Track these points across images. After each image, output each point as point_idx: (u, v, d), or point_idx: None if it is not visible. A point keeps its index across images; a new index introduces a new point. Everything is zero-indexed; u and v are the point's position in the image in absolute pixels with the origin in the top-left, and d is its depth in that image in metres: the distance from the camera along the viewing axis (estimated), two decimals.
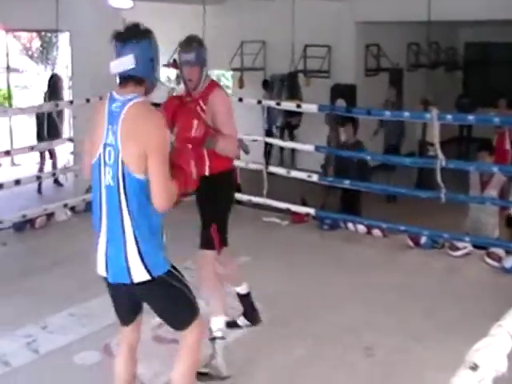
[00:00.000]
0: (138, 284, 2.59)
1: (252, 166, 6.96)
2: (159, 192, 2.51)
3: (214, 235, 3.54)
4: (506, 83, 12.67)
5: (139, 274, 2.57)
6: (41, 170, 9.71)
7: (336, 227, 6.14)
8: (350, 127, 7.54)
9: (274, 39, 11.83)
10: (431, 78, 12.79)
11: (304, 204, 6.79)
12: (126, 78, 2.59)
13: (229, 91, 13.59)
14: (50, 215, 6.36)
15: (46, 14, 8.30)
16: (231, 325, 3.80)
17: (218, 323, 3.51)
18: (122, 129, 2.50)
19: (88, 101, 6.57)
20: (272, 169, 6.84)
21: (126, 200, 2.52)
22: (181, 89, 3.45)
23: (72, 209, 6.58)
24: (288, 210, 6.43)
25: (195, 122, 3.29)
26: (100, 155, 2.55)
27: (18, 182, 6.28)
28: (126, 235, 2.55)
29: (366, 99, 10.44)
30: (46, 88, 9.65)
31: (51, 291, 4.66)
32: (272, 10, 11.40)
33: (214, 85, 3.56)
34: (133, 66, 2.55)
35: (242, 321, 3.95)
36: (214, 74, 12.06)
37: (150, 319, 4.09)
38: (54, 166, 9.67)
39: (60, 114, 8.04)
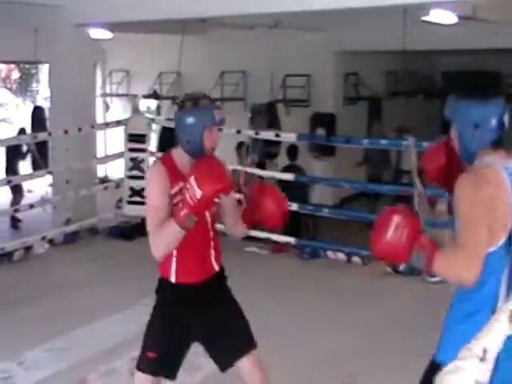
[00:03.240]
0: None
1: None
2: None
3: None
4: None
5: None
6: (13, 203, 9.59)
7: (316, 256, 6.14)
8: None
9: (254, 69, 11.94)
10: (410, 106, 12.97)
11: (284, 233, 6.79)
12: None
13: None
14: (28, 248, 6.30)
15: (24, 45, 8.34)
16: None
17: None
18: None
19: (66, 132, 6.55)
20: None
21: None
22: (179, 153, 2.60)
23: (50, 241, 6.52)
24: (268, 240, 6.42)
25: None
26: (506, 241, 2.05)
27: None
28: None
29: (346, 128, 10.55)
30: (29, 121, 9.61)
31: (29, 326, 4.60)
32: (252, 40, 11.52)
33: None
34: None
35: None
36: None
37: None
38: (17, 201, 9.57)
39: (44, 146, 7.98)
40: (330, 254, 6.09)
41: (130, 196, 6.91)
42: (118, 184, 7.17)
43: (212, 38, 12.14)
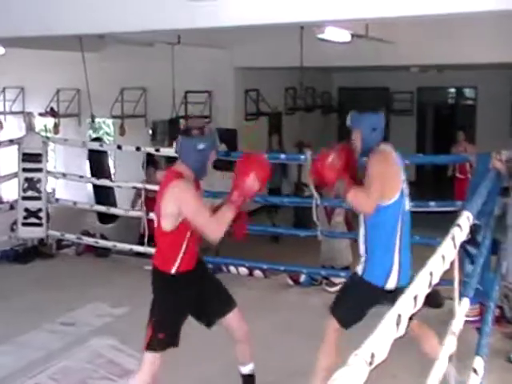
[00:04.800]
0: None
1: (132, 214, 6.87)
2: None
3: None
4: None
5: None
6: None
7: (219, 271, 6.16)
8: None
9: (154, 85, 11.89)
10: (308, 121, 13.35)
11: None
12: None
13: (110, 139, 13.45)
14: None
15: None
16: None
17: None
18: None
19: None
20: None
21: None
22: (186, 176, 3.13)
23: None
24: None
25: None
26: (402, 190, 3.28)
27: None
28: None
29: (248, 143, 10.70)
30: None
31: None
32: (151, 57, 11.48)
33: None
34: None
35: None
36: (95, 121, 11.89)
37: None
38: None
39: None
40: (232, 268, 6.13)
41: (25, 218, 6.67)
42: (13, 205, 6.90)
43: (111, 55, 12.00)
